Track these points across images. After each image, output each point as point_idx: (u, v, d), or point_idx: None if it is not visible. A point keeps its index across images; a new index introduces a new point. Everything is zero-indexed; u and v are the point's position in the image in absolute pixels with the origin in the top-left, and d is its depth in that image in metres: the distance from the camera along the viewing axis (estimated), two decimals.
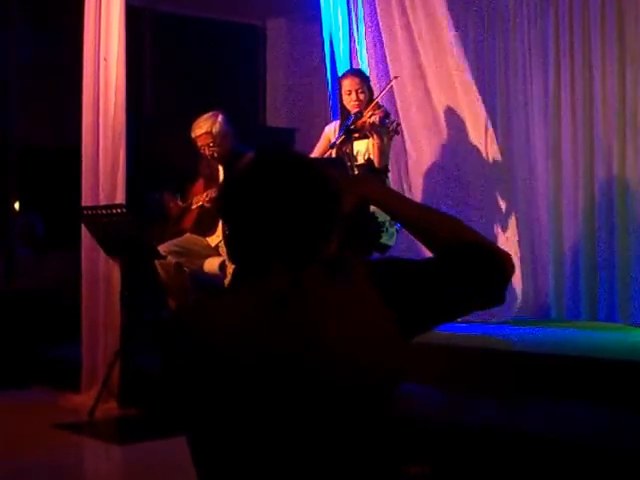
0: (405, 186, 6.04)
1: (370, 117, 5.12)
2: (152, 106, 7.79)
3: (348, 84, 5.32)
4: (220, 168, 5.62)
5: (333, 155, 5.25)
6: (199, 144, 5.52)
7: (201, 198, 5.58)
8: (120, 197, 5.40)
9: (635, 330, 5.40)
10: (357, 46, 6.11)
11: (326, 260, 1.60)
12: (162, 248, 5.42)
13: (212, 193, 5.43)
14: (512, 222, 5.74)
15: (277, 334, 1.53)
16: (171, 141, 6.79)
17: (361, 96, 5.28)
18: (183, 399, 1.59)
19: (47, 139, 7.41)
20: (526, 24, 6.28)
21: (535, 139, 6.24)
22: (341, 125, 5.33)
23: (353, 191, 1.71)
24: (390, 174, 5.48)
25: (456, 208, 5.42)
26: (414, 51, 5.85)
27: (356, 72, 5.54)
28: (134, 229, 5.18)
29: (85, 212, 5.32)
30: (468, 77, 5.67)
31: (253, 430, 1.53)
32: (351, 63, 6.07)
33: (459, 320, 1.75)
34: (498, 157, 5.72)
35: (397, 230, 5.06)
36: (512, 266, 1.68)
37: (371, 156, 5.19)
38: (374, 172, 5.14)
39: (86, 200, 5.48)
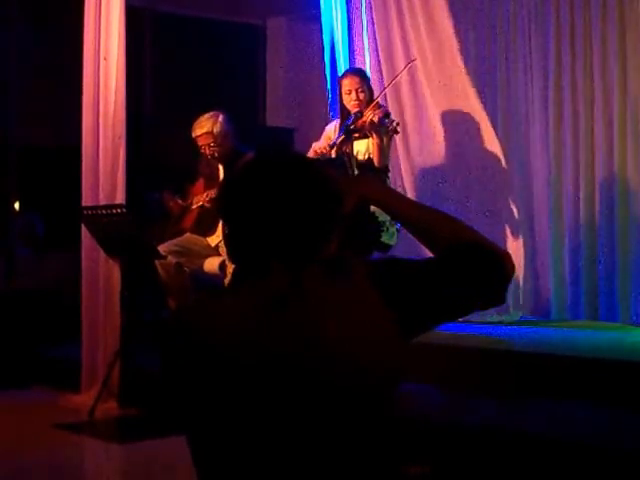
0: (406, 185, 6.03)
1: (370, 117, 5.11)
2: (152, 106, 7.78)
3: (348, 83, 5.31)
4: (220, 168, 5.63)
5: (333, 155, 5.24)
6: (200, 144, 5.52)
7: (201, 198, 5.58)
8: (120, 197, 5.40)
9: (635, 330, 5.40)
10: (357, 46, 6.10)
11: (326, 260, 1.60)
12: (162, 248, 5.42)
13: (212, 193, 5.43)
14: (513, 222, 5.74)
15: (277, 334, 1.53)
16: (171, 141, 6.79)
17: (361, 95, 5.27)
18: (183, 399, 1.59)
19: (47, 139, 7.41)
20: (527, 24, 6.28)
21: (535, 139, 6.24)
22: (341, 125, 5.32)
23: (353, 191, 1.71)
24: (390, 174, 5.48)
25: (455, 209, 5.42)
26: (409, 52, 5.84)
27: (356, 71, 5.53)
28: (134, 229, 5.18)
29: (85, 212, 5.33)
30: (468, 78, 5.66)
31: (253, 430, 1.53)
32: (351, 63, 6.06)
33: (459, 320, 1.75)
34: (499, 158, 5.71)
35: (397, 230, 5.06)
36: (512, 266, 1.67)
37: (371, 156, 5.19)
38: (374, 172, 5.14)
39: (86, 200, 5.48)
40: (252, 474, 1.53)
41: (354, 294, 1.57)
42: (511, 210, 5.85)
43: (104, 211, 5.17)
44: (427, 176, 5.93)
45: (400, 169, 6.04)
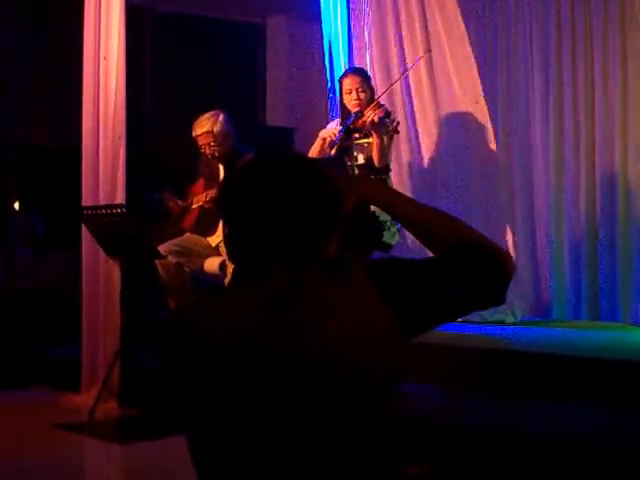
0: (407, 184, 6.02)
1: (370, 116, 5.10)
2: (152, 106, 7.78)
3: (349, 83, 5.30)
4: (221, 168, 5.62)
5: (333, 154, 5.23)
6: (200, 143, 5.52)
7: (201, 198, 5.58)
8: (120, 197, 5.39)
9: (636, 330, 5.40)
10: (357, 45, 6.09)
11: (326, 260, 1.59)
12: (162, 248, 5.42)
13: (212, 193, 5.43)
14: (511, 222, 5.73)
15: (277, 334, 1.53)
16: (171, 141, 6.79)
17: (361, 95, 5.25)
18: (183, 399, 1.59)
19: (47, 139, 7.41)
20: (528, 20, 6.27)
21: (536, 137, 6.24)
22: (341, 124, 5.31)
23: (353, 191, 1.70)
24: (391, 173, 5.47)
25: (454, 209, 5.42)
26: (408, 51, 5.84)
27: (357, 71, 5.51)
28: (134, 229, 5.18)
29: (85, 212, 5.32)
30: (474, 74, 5.63)
31: (253, 430, 1.53)
32: (351, 62, 6.05)
33: (459, 320, 1.75)
34: (497, 157, 5.71)
35: (398, 229, 5.05)
36: (513, 266, 1.67)
37: (370, 154, 5.18)
38: (374, 172, 5.14)
39: (86, 200, 5.48)
40: (252, 474, 1.53)
41: (354, 294, 1.57)
42: (510, 209, 5.85)
43: (104, 211, 5.17)
44: (422, 175, 5.91)
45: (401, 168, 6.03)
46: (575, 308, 6.00)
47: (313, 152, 5.34)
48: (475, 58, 5.69)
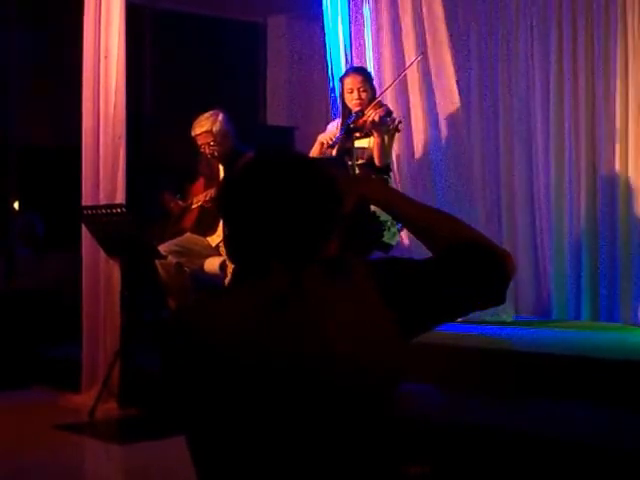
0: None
1: (371, 115, 5.09)
2: (152, 106, 7.78)
3: (350, 82, 5.28)
4: (220, 167, 5.62)
5: (334, 154, 5.22)
6: (199, 143, 5.52)
7: (201, 198, 5.57)
8: (120, 197, 5.39)
9: (636, 330, 5.39)
10: (358, 44, 6.08)
11: (326, 260, 1.59)
12: (162, 248, 5.42)
13: (212, 193, 5.43)
14: (512, 222, 5.72)
15: (277, 334, 1.53)
16: (171, 141, 6.78)
17: (363, 95, 5.24)
18: (183, 399, 1.59)
19: (47, 139, 7.41)
20: (529, 22, 6.26)
21: (537, 137, 6.23)
22: (342, 123, 5.30)
23: (353, 191, 1.70)
24: (392, 173, 5.46)
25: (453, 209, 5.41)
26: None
27: (359, 70, 5.49)
28: (134, 229, 5.18)
29: (85, 212, 5.32)
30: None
31: (253, 430, 1.52)
32: (352, 61, 6.03)
33: (459, 320, 1.75)
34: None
35: (399, 229, 5.05)
36: (513, 266, 1.67)
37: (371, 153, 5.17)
38: (375, 171, 5.13)
39: (86, 200, 5.48)
40: (252, 474, 1.53)
41: (354, 294, 1.57)
42: (510, 209, 5.84)
43: (104, 211, 5.17)
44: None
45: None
46: (575, 308, 6.00)
47: (312, 156, 5.33)
48: (477, 59, 5.68)
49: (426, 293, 1.60)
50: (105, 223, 5.15)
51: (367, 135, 5.18)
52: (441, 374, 4.50)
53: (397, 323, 1.57)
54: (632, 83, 5.71)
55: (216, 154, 5.51)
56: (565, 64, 6.06)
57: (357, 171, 5.14)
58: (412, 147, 5.85)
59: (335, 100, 5.82)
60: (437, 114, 5.68)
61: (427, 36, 5.66)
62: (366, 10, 6.02)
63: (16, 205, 7.43)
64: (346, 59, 6.05)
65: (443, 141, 5.68)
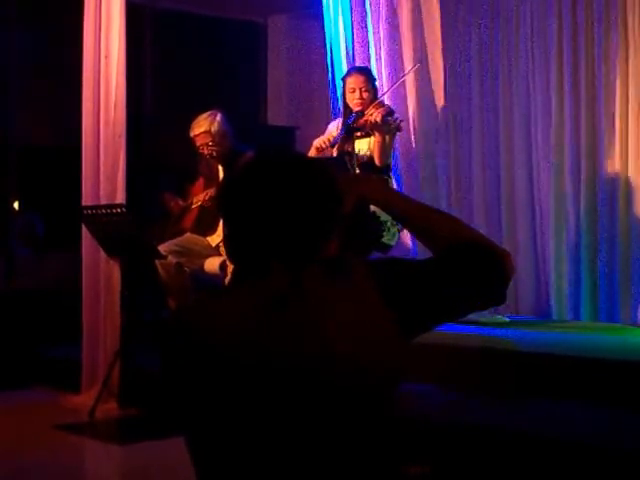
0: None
1: (372, 115, 5.08)
2: (152, 106, 7.78)
3: (352, 82, 5.26)
4: (220, 167, 5.62)
5: (334, 154, 5.22)
6: (198, 143, 5.52)
7: (201, 198, 5.57)
8: (120, 197, 5.39)
9: (636, 331, 5.39)
10: (359, 44, 6.07)
11: (326, 260, 1.59)
12: (162, 248, 5.41)
13: (212, 193, 5.43)
14: (512, 222, 5.72)
15: (277, 334, 1.53)
16: (171, 141, 6.78)
17: (364, 95, 5.22)
18: (183, 399, 1.59)
19: (47, 139, 7.40)
20: (529, 19, 6.26)
21: (537, 136, 6.23)
22: (343, 123, 5.29)
23: (352, 191, 1.70)
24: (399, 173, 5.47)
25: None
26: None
27: (361, 70, 5.45)
28: (134, 229, 5.18)
29: (85, 212, 5.32)
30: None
31: (253, 430, 1.52)
32: (353, 61, 6.02)
33: (459, 320, 1.74)
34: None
35: (399, 230, 5.04)
36: (513, 266, 1.67)
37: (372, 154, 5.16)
38: (375, 171, 5.12)
39: (86, 200, 5.48)
40: (252, 474, 1.53)
41: (354, 294, 1.57)
42: (511, 209, 5.84)
43: (104, 211, 5.17)
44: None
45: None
46: (575, 308, 6.00)
47: None
48: (477, 56, 5.66)
49: (426, 293, 1.60)
50: (105, 223, 5.15)
51: (368, 135, 5.17)
52: (441, 374, 4.50)
53: (397, 323, 1.57)
54: (632, 83, 5.71)
55: (215, 154, 5.51)
56: (565, 64, 6.06)
57: (357, 171, 5.14)
58: (412, 147, 5.86)
59: (336, 100, 5.82)
60: (435, 112, 5.69)
61: (425, 36, 5.67)
62: (367, 8, 6.01)
63: (16, 205, 7.43)
64: (347, 58, 6.04)
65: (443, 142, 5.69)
